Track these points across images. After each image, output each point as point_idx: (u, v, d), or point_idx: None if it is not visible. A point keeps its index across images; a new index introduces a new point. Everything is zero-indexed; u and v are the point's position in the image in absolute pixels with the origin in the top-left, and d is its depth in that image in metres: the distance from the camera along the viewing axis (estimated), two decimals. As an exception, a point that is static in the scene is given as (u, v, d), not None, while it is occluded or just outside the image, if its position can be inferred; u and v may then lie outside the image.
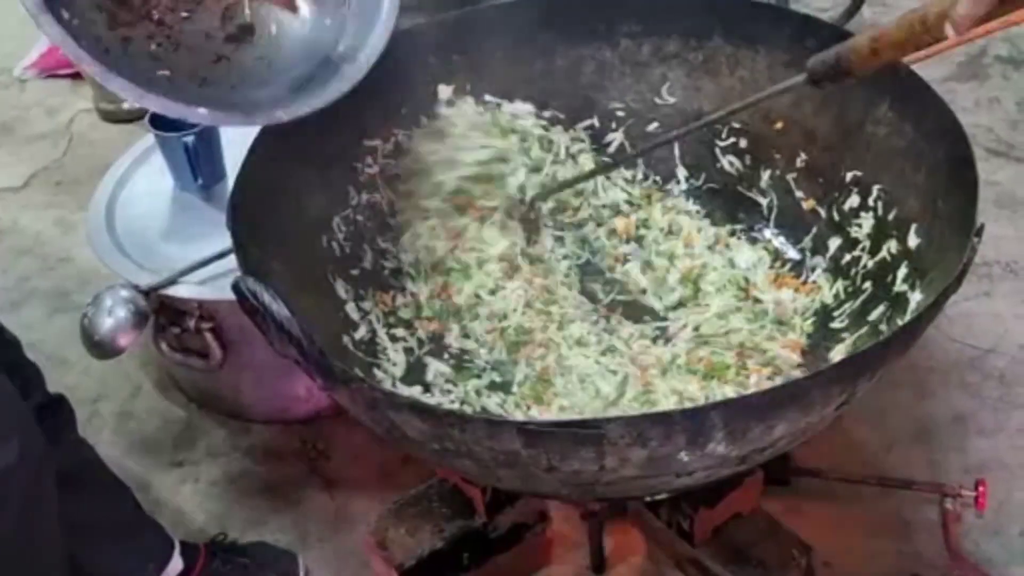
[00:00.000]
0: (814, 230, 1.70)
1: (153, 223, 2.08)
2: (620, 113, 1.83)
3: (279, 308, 1.18)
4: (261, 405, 2.10)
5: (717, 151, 1.80)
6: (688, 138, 1.80)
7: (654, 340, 1.63)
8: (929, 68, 2.77)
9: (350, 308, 1.62)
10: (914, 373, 2.07)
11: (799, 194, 1.73)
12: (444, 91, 1.76)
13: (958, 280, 1.23)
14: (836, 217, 1.66)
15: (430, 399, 1.54)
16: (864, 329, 1.53)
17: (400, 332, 1.65)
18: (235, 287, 1.21)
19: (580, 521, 1.73)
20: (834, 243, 1.66)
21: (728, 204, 1.80)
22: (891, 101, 1.56)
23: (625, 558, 1.80)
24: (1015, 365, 2.08)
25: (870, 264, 1.58)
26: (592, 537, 1.74)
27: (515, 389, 1.57)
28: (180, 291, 1.89)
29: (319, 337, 1.33)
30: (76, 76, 3.18)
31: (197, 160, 2.08)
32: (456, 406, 1.54)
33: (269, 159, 1.51)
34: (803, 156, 1.72)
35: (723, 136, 1.79)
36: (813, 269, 1.68)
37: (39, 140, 3.04)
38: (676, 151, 1.84)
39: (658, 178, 1.85)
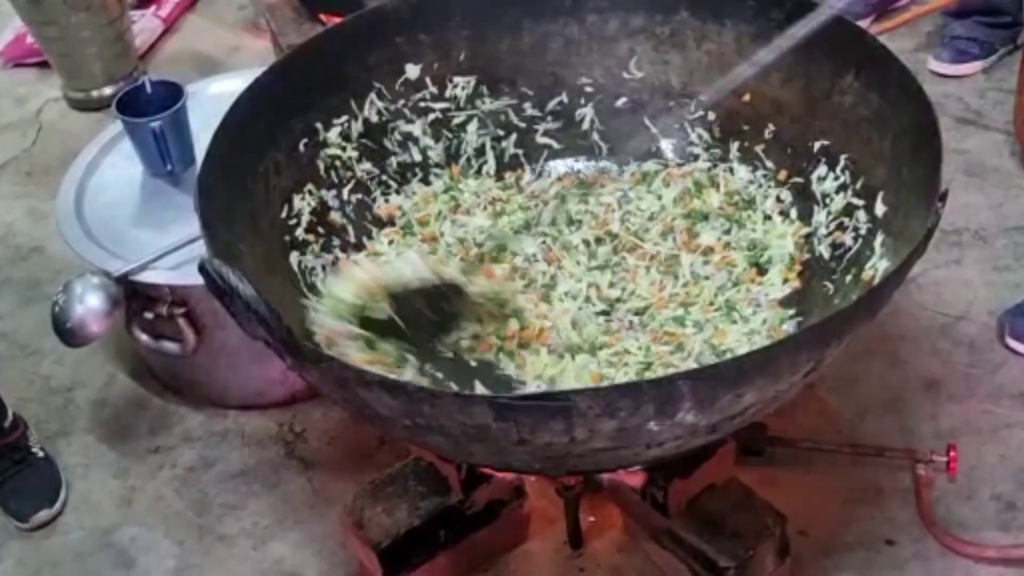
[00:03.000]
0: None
1: (123, 210, 2.07)
2: (588, 89, 1.83)
3: (246, 288, 1.18)
4: (236, 390, 2.10)
5: (687, 125, 1.81)
6: (658, 113, 1.81)
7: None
8: (897, 39, 2.80)
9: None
10: (885, 342, 2.09)
11: (769, 164, 1.74)
12: (412, 70, 1.76)
13: (923, 245, 1.24)
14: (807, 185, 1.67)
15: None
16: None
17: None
18: (201, 268, 1.21)
19: (556, 496, 1.73)
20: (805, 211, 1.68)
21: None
22: (857, 71, 1.57)
23: (602, 532, 1.81)
24: (984, 331, 2.10)
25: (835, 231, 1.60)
26: (569, 512, 1.75)
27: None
28: (151, 277, 1.88)
29: (288, 318, 1.33)
30: (44, 65, 3.15)
31: (166, 146, 2.07)
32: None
33: (236, 141, 1.51)
34: (771, 127, 1.73)
35: (692, 109, 1.79)
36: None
37: (8, 130, 3.02)
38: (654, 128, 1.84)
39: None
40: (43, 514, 1.94)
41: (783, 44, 1.50)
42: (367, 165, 1.75)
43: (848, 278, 1.53)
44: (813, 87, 1.64)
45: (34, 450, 2.00)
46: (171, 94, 2.10)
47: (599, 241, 1.70)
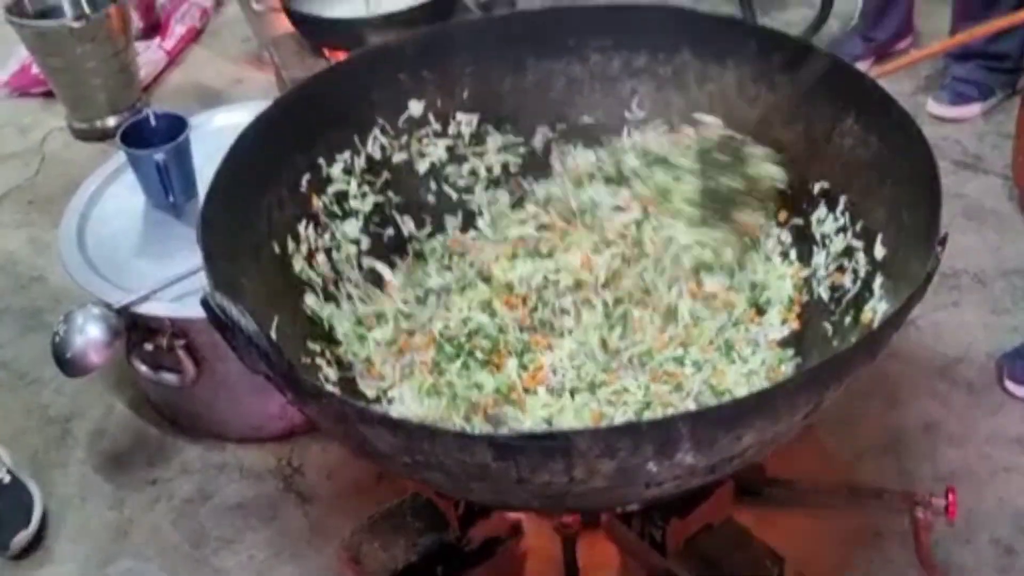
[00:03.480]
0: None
1: (125, 241, 2.08)
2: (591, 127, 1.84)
3: (248, 323, 1.18)
4: (235, 422, 2.09)
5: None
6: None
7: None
8: (896, 82, 2.82)
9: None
10: (884, 383, 2.09)
11: (769, 206, 1.74)
12: (415, 107, 1.77)
13: (922, 289, 1.24)
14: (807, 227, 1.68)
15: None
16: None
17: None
18: (204, 302, 1.21)
19: (554, 534, 1.73)
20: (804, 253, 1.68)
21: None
22: (857, 114, 1.57)
23: (600, 571, 1.80)
24: (983, 374, 2.10)
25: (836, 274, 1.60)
26: (566, 550, 1.74)
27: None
28: (152, 308, 1.89)
29: (289, 352, 1.34)
30: (48, 94, 3.17)
31: (169, 177, 2.08)
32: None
33: (240, 175, 1.51)
34: (772, 168, 1.74)
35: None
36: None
37: (11, 159, 3.03)
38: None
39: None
40: (21, 537, 1.92)
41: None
42: (371, 199, 1.76)
43: (847, 320, 1.53)
44: (813, 129, 1.65)
45: (0, 477, 1.99)
46: (174, 126, 2.11)
47: (618, 302, 1.70)
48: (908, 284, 1.32)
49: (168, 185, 2.09)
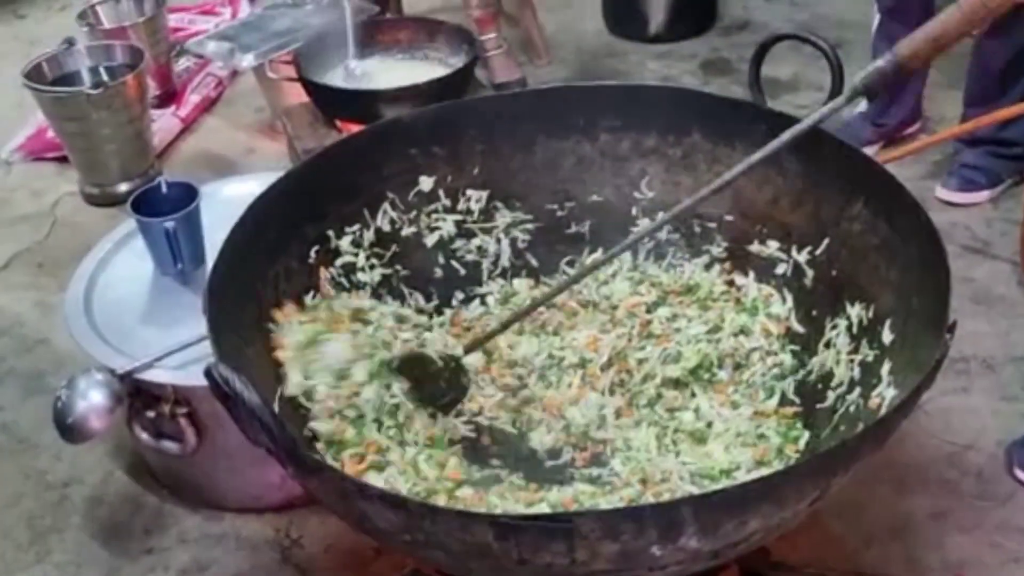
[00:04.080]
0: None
1: (131, 307, 2.08)
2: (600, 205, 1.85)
3: (251, 395, 1.18)
4: (235, 492, 2.08)
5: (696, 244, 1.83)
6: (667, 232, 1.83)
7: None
8: (904, 166, 2.83)
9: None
10: (892, 468, 2.07)
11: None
12: (425, 182, 1.78)
13: (931, 377, 1.24)
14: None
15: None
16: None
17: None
18: (207, 373, 1.21)
19: (554, 616, 1.70)
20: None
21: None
22: (866, 199, 1.58)
23: (600, 654, 1.77)
24: (993, 462, 2.08)
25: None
26: (566, 632, 1.71)
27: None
28: (155, 375, 1.88)
29: (292, 426, 1.33)
30: (63, 159, 3.20)
31: (178, 245, 2.09)
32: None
33: (248, 245, 1.52)
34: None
35: (696, 230, 1.81)
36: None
37: (22, 222, 3.05)
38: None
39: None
40: None
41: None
42: (378, 271, 1.76)
43: (853, 406, 1.52)
44: (821, 213, 1.66)
45: None
46: (186, 194, 2.13)
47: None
48: (917, 370, 1.31)
49: (177, 253, 2.10)
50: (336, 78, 2.85)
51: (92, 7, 3.41)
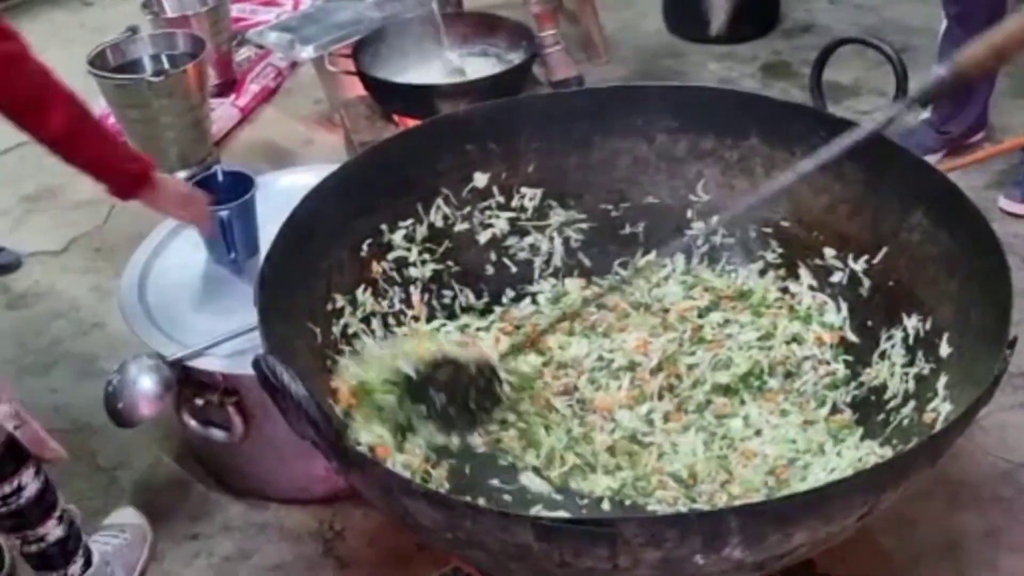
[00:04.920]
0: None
1: (184, 294, 2.09)
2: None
3: (297, 388, 1.18)
4: (280, 482, 2.08)
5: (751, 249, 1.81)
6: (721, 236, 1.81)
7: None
8: (967, 176, 2.78)
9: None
10: (945, 484, 2.02)
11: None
12: (480, 178, 1.78)
13: (989, 393, 1.21)
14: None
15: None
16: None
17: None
18: (255, 364, 1.21)
19: (595, 619, 1.69)
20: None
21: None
22: (926, 208, 1.55)
23: (639, 660, 1.75)
24: (1050, 480, 2.03)
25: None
26: (606, 637, 1.70)
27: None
28: (205, 363, 1.89)
29: (337, 419, 1.33)
30: (123, 145, 3.23)
31: (232, 235, 2.10)
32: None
33: (302, 237, 1.53)
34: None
35: (751, 235, 1.79)
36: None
37: (82, 206, 3.09)
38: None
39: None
40: None
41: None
42: (430, 267, 1.76)
43: (907, 420, 1.49)
44: (880, 222, 1.63)
45: None
46: (241, 183, 2.13)
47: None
48: (974, 385, 1.28)
49: (231, 242, 2.11)
50: (433, 71, 2.85)
51: (156, -4, 3.45)
